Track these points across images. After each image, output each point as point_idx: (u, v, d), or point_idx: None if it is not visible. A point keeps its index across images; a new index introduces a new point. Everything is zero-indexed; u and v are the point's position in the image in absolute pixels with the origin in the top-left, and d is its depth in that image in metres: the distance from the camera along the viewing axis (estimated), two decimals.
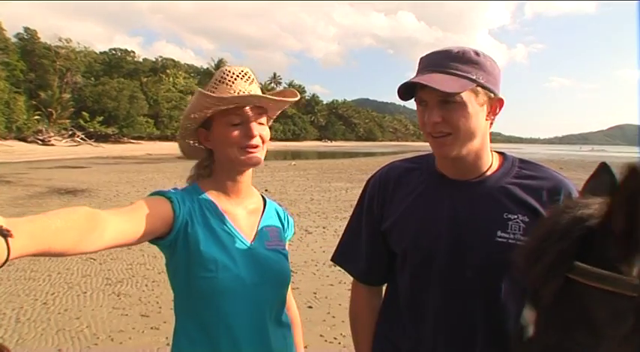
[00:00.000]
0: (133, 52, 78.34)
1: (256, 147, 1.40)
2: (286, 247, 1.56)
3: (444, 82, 1.16)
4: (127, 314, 4.85)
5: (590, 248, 0.79)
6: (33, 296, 5.33)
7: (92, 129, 54.41)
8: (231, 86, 1.40)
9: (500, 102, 1.26)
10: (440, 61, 1.21)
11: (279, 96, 1.44)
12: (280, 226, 1.57)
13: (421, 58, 1.28)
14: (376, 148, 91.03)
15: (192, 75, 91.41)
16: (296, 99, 1.49)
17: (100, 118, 55.67)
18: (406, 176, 1.39)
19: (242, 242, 1.41)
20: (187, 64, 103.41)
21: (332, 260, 1.56)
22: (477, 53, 1.22)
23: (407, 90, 1.24)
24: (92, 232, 0.97)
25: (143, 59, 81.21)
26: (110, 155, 39.21)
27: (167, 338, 4.31)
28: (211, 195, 1.44)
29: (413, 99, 1.27)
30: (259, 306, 1.41)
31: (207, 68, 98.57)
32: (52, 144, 46.49)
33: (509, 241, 1.19)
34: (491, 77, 1.22)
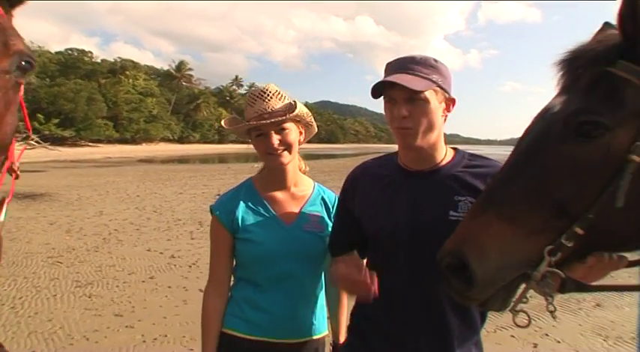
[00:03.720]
0: (91, 52, 76.06)
1: (276, 151, 1.71)
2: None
3: (412, 81, 1.40)
4: (100, 315, 4.89)
5: (627, 56, 1.03)
6: None
7: (47, 132, 52.47)
8: (252, 107, 1.74)
9: (453, 101, 1.52)
10: (406, 65, 1.45)
11: (273, 116, 1.71)
12: (323, 211, 1.85)
13: (388, 63, 1.52)
14: (338, 151, 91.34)
15: (152, 76, 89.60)
16: (275, 118, 1.70)
17: (56, 120, 53.82)
18: (375, 171, 1.64)
19: (278, 223, 1.76)
20: (147, 66, 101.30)
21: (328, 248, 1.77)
22: (435, 60, 1.48)
23: (377, 90, 1.46)
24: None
25: (101, 60, 78.82)
26: (67, 158, 38.08)
27: (143, 335, 4.41)
28: (257, 185, 1.84)
29: (381, 99, 1.49)
30: (289, 278, 1.76)
31: (168, 70, 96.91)
32: None
33: (460, 219, 1.39)
34: (446, 80, 1.48)
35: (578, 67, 1.10)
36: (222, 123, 1.84)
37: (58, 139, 53.10)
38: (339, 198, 1.76)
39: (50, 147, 48.88)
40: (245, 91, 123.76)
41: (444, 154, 1.55)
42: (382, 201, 1.55)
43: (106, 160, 38.18)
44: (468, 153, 1.60)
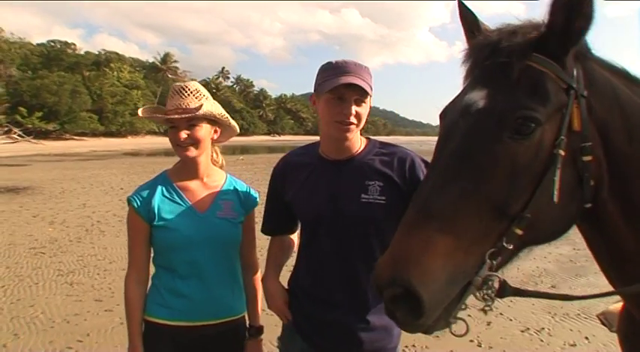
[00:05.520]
0: (74, 44, 75.03)
1: (183, 144, 1.85)
2: (243, 216, 2.01)
3: (365, 85, 1.66)
4: (81, 300, 5.13)
5: (539, 49, 1.06)
6: None
7: (30, 126, 51.93)
8: (171, 100, 1.89)
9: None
10: (355, 70, 1.69)
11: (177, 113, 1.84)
12: (236, 200, 2.00)
13: (334, 64, 1.71)
14: None
15: (137, 69, 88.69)
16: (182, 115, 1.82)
17: (40, 114, 53.03)
18: (299, 160, 1.91)
19: (193, 210, 1.89)
20: (132, 58, 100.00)
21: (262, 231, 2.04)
22: (367, 67, 1.74)
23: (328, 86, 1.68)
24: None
25: (85, 52, 77.75)
26: (52, 152, 37.77)
27: (121, 318, 4.61)
28: (172, 176, 1.95)
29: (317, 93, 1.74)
30: (205, 263, 1.89)
31: (153, 62, 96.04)
32: None
33: (370, 200, 1.70)
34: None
35: (497, 61, 1.07)
36: (139, 112, 1.96)
37: (41, 133, 52.56)
38: (269, 185, 1.96)
39: (34, 140, 48.45)
40: (232, 83, 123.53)
41: (360, 144, 1.82)
42: (307, 186, 1.82)
43: (92, 153, 37.93)
44: (378, 142, 1.87)
